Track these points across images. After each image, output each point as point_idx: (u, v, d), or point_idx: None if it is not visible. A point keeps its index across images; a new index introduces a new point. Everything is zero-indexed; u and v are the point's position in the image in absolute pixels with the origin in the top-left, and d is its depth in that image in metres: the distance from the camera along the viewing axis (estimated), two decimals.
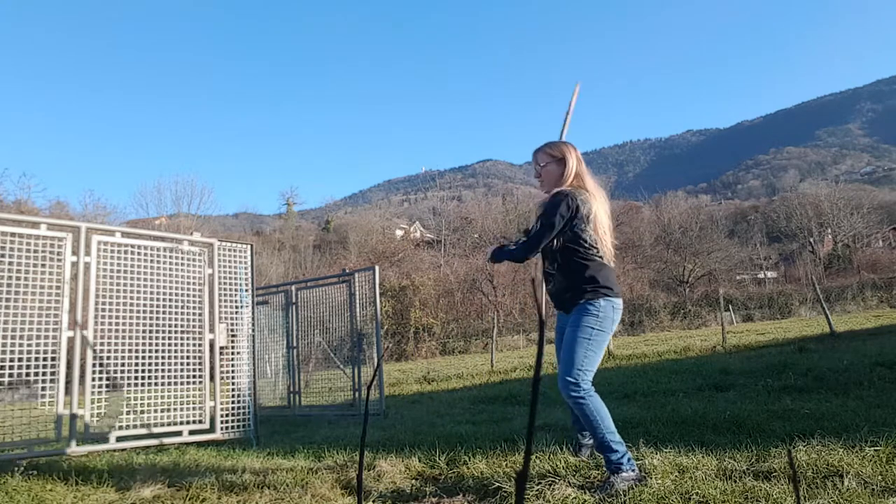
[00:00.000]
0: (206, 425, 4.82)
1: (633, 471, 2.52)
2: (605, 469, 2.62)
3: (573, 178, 2.80)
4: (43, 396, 4.04)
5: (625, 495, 2.34)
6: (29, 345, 4.01)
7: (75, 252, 4.37)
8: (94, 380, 4.31)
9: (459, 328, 25.19)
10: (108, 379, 4.40)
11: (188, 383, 4.82)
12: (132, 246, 4.68)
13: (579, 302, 2.66)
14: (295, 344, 7.73)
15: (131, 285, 4.62)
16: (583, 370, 2.60)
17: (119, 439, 4.43)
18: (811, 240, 41.82)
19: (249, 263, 5.45)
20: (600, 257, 2.70)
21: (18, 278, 4.03)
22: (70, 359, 4.18)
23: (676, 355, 10.28)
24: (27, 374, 3.97)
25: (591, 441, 2.98)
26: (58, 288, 4.17)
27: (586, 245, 2.68)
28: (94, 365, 4.32)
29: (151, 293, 4.69)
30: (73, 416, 4.16)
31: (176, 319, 4.80)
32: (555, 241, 2.72)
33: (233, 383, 5.20)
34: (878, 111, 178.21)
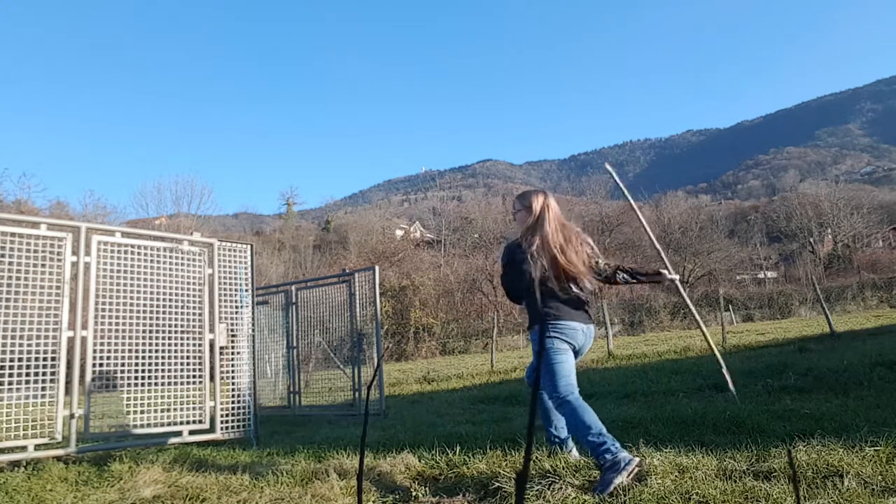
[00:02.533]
0: (206, 425, 4.82)
1: (611, 454, 2.62)
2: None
3: (535, 224, 3.18)
4: (43, 396, 4.05)
5: (625, 495, 2.34)
6: (29, 345, 4.01)
7: (75, 252, 4.37)
8: (94, 380, 4.31)
9: (459, 328, 25.18)
10: (108, 379, 4.40)
11: (188, 383, 4.82)
12: (132, 246, 4.68)
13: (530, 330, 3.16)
14: (295, 344, 7.73)
15: (131, 285, 4.61)
16: (548, 385, 2.96)
17: (119, 439, 4.43)
18: (811, 240, 41.81)
19: (249, 263, 5.45)
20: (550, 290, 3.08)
21: (18, 278, 4.03)
22: (70, 359, 4.18)
23: (676, 355, 10.28)
24: (27, 374, 3.98)
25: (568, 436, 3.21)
26: (58, 288, 4.17)
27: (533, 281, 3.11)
28: (94, 365, 4.32)
29: (151, 293, 4.69)
30: (73, 416, 4.16)
31: (176, 319, 4.80)
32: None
33: (233, 383, 5.20)
34: (878, 111, 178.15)
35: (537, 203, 3.21)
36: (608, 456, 2.55)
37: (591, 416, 2.76)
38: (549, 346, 2.97)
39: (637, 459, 2.58)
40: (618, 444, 2.62)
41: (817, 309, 20.19)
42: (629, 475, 2.50)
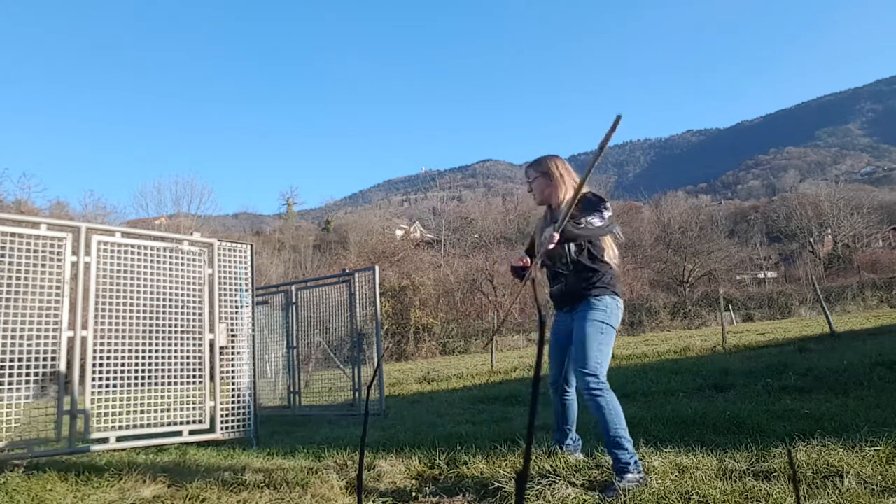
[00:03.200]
0: (206, 425, 4.82)
1: (638, 472, 2.52)
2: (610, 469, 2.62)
3: (564, 189, 2.92)
4: (43, 396, 4.04)
5: (625, 495, 2.34)
6: (29, 345, 4.01)
7: (75, 252, 4.37)
8: (94, 380, 4.31)
9: (459, 328, 25.18)
10: (108, 379, 4.39)
11: (188, 383, 4.82)
12: (132, 246, 4.68)
13: (588, 297, 2.78)
14: (295, 344, 7.73)
15: (131, 285, 4.61)
16: (599, 363, 2.68)
17: (119, 439, 4.43)
18: (811, 240, 41.81)
19: (249, 263, 5.45)
20: (607, 260, 2.85)
21: (18, 278, 4.03)
22: (70, 359, 4.18)
23: (676, 355, 10.28)
24: (27, 374, 3.98)
25: (576, 443, 3.10)
26: (58, 288, 4.17)
27: (600, 247, 2.83)
28: (94, 365, 4.32)
29: (151, 293, 4.69)
30: (73, 416, 4.16)
31: (176, 319, 4.80)
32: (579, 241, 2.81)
33: (233, 383, 5.20)
34: (878, 111, 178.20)
35: (556, 167, 2.95)
36: (633, 470, 2.50)
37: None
38: (614, 325, 2.76)
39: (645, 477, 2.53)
40: None
41: (817, 309, 20.18)
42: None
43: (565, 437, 3.10)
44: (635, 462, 2.54)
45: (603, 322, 2.73)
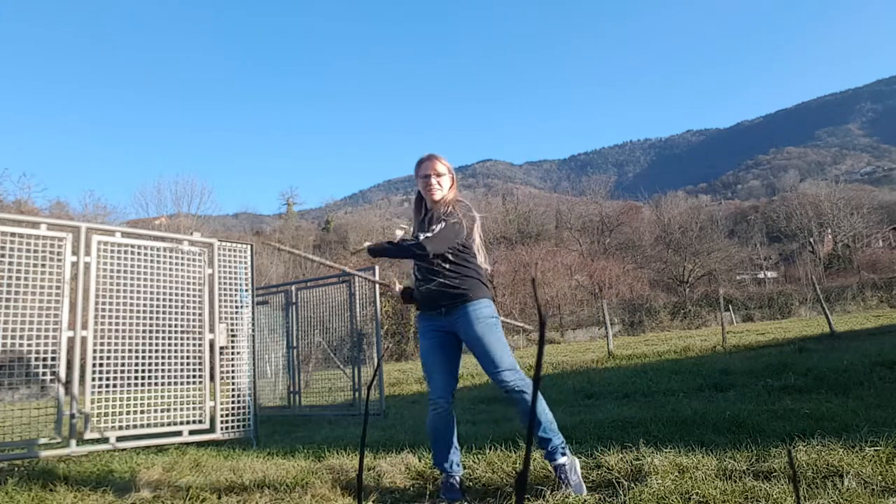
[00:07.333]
0: (206, 425, 4.82)
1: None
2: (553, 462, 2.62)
3: (455, 193, 2.99)
4: (43, 396, 4.05)
5: (625, 495, 2.34)
6: (29, 345, 4.01)
7: (75, 252, 4.37)
8: (94, 380, 4.31)
9: None
10: (108, 379, 4.39)
11: (188, 383, 4.82)
12: (132, 246, 4.68)
13: (474, 299, 2.77)
14: (295, 344, 7.73)
15: (131, 285, 4.61)
16: (511, 357, 2.77)
17: (119, 439, 4.43)
18: (811, 240, 41.83)
19: (249, 263, 5.45)
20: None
21: (18, 278, 4.03)
22: (70, 359, 4.18)
23: (676, 355, 10.28)
24: (27, 374, 3.98)
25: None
26: (58, 288, 4.17)
27: (473, 251, 2.88)
28: (94, 365, 4.32)
29: (151, 293, 4.69)
30: (73, 416, 4.16)
31: (176, 319, 4.80)
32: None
33: (233, 383, 5.20)
34: (878, 111, 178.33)
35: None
36: (565, 451, 2.64)
37: None
38: (496, 316, 2.88)
39: None
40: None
41: (817, 309, 20.18)
42: None
43: (454, 455, 2.79)
44: (563, 444, 2.60)
45: (497, 318, 2.82)
